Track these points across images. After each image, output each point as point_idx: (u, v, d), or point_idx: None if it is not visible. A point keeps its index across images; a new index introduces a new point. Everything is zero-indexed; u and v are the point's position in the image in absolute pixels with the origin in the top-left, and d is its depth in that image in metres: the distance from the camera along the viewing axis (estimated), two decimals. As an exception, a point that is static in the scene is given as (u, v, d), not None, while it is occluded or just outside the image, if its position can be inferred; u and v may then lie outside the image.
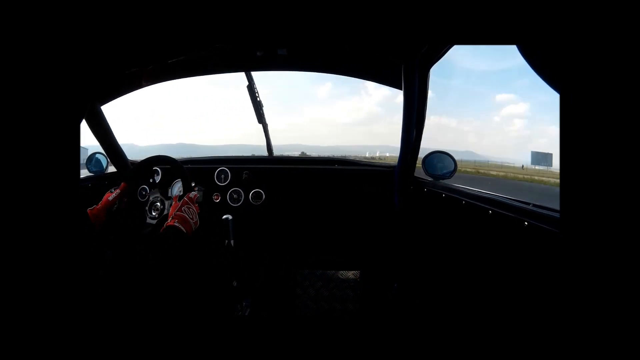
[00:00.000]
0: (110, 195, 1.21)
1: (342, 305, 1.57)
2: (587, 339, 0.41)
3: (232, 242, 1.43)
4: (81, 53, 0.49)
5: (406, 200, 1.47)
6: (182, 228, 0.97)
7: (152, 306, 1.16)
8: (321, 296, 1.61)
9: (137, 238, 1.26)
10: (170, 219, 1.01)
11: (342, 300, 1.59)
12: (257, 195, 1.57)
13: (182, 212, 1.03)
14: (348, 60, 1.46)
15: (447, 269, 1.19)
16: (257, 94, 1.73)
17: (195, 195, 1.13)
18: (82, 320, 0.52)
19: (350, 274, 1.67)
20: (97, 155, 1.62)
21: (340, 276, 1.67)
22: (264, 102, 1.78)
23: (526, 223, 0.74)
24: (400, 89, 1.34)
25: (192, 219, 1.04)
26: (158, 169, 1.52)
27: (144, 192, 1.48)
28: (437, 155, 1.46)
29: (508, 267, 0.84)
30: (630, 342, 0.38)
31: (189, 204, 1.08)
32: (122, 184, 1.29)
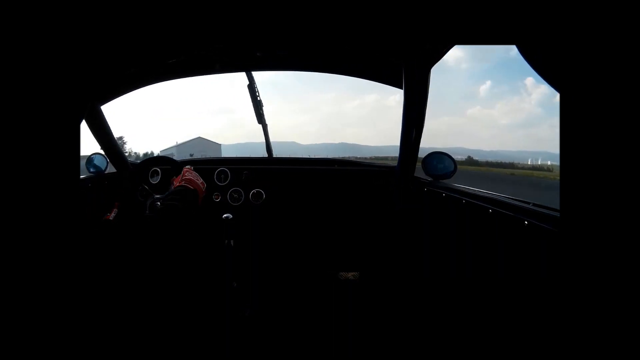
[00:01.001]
0: (110, 216, 1.31)
1: (342, 305, 1.57)
2: (587, 338, 0.41)
3: (232, 242, 1.43)
4: (81, 53, 0.49)
5: (406, 200, 1.47)
6: (190, 186, 1.06)
7: (151, 306, 1.16)
8: (320, 296, 1.61)
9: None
10: (177, 184, 1.08)
11: (342, 301, 1.59)
12: (257, 195, 1.57)
13: (186, 176, 1.10)
14: (348, 60, 1.46)
15: (447, 268, 1.19)
16: (257, 94, 1.73)
17: (191, 167, 1.20)
18: (81, 319, 0.52)
19: (350, 275, 1.67)
20: (97, 156, 1.61)
21: (340, 277, 1.67)
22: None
23: (526, 222, 0.74)
24: (401, 89, 1.34)
25: (197, 179, 1.12)
26: (158, 170, 1.52)
27: (144, 193, 1.47)
28: (437, 156, 1.45)
29: (508, 266, 0.84)
30: (629, 341, 0.38)
31: (190, 170, 1.15)
32: (115, 203, 1.38)
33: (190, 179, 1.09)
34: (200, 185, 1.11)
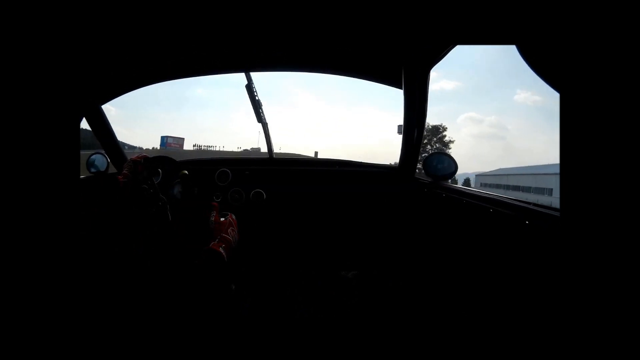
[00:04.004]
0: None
1: (341, 305, 1.57)
2: (587, 338, 0.40)
3: None
4: (81, 53, 0.49)
5: (406, 200, 1.47)
6: (224, 254, 1.04)
7: (150, 306, 1.16)
8: (320, 296, 1.60)
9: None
10: (217, 240, 1.06)
11: (341, 300, 1.58)
12: (257, 196, 1.57)
13: (228, 234, 1.09)
14: (348, 61, 1.47)
15: (447, 268, 1.19)
16: (256, 94, 1.73)
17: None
18: (79, 318, 0.52)
19: (350, 274, 1.66)
20: (97, 156, 1.61)
21: (340, 276, 1.66)
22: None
23: (527, 222, 0.74)
24: (401, 89, 1.34)
25: (234, 238, 1.11)
26: (159, 170, 1.52)
27: (144, 194, 1.47)
28: (438, 157, 1.45)
29: (508, 265, 0.84)
30: (629, 340, 0.38)
31: (233, 226, 1.15)
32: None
33: (229, 241, 1.08)
34: (233, 244, 1.12)
